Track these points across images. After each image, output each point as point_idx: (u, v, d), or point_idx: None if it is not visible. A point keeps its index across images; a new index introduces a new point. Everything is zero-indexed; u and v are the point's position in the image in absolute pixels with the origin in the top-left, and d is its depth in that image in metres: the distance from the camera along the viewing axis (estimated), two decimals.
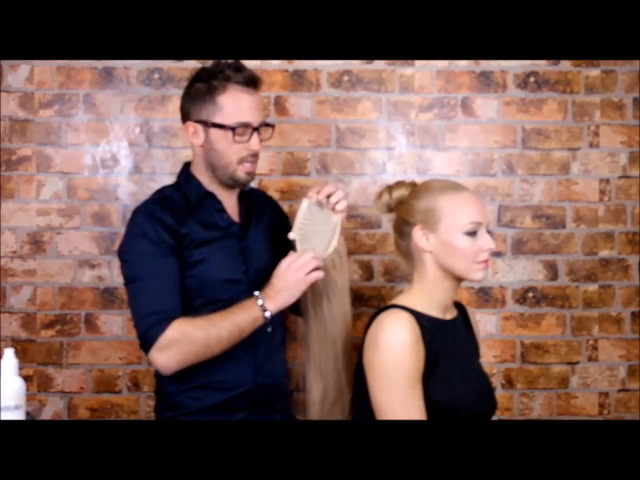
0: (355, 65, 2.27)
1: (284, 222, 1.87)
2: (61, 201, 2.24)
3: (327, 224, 1.63)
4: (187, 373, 1.63)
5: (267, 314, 1.59)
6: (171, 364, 1.59)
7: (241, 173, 1.68)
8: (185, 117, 1.70)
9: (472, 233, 1.48)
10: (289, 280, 1.58)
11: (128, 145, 2.25)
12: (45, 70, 2.23)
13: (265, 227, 1.79)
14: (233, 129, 1.63)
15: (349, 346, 1.67)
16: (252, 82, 1.67)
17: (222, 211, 1.72)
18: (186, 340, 1.57)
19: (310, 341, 1.67)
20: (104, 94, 2.25)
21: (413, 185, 1.58)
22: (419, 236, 1.51)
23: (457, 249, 1.48)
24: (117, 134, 2.25)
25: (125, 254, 1.66)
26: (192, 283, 1.65)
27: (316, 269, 1.59)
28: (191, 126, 1.68)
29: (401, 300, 1.53)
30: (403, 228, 1.55)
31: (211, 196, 1.71)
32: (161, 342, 1.57)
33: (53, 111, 2.24)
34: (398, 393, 1.42)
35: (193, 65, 2.22)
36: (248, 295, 1.62)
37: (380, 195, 1.59)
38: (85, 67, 2.24)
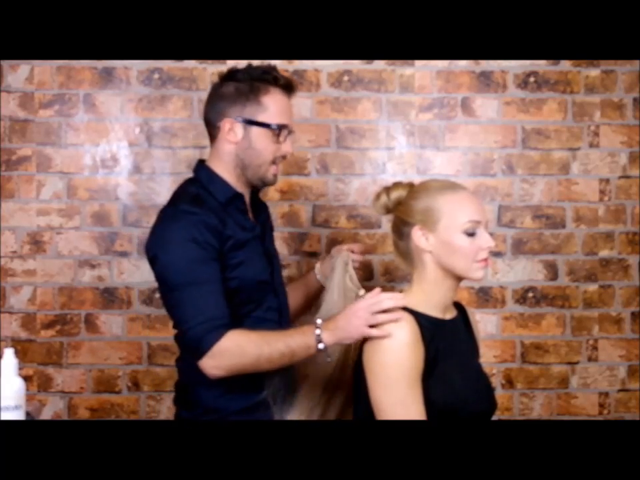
0: (355, 64, 2.27)
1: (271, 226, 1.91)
2: (61, 201, 2.24)
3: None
4: (229, 378, 1.61)
5: (321, 345, 1.54)
6: (220, 372, 1.58)
7: (270, 174, 1.70)
8: (219, 115, 1.68)
9: (471, 232, 1.48)
10: (352, 321, 1.50)
11: (128, 145, 2.25)
12: (45, 70, 2.23)
13: (269, 230, 1.83)
14: (277, 128, 1.66)
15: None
16: (291, 87, 1.71)
17: (245, 212, 1.72)
18: (238, 352, 1.56)
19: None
20: (104, 94, 2.25)
21: (411, 186, 1.58)
22: (418, 236, 1.51)
23: (457, 248, 1.48)
24: (117, 134, 2.25)
25: (169, 258, 1.60)
26: (233, 284, 1.64)
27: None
28: (228, 123, 1.67)
29: None
30: (401, 228, 1.55)
31: (239, 197, 1.70)
32: (215, 350, 1.55)
33: (53, 111, 2.24)
34: (398, 392, 1.41)
35: (193, 64, 2.23)
36: (273, 295, 1.69)
37: (378, 196, 1.59)
38: (85, 67, 2.24)
